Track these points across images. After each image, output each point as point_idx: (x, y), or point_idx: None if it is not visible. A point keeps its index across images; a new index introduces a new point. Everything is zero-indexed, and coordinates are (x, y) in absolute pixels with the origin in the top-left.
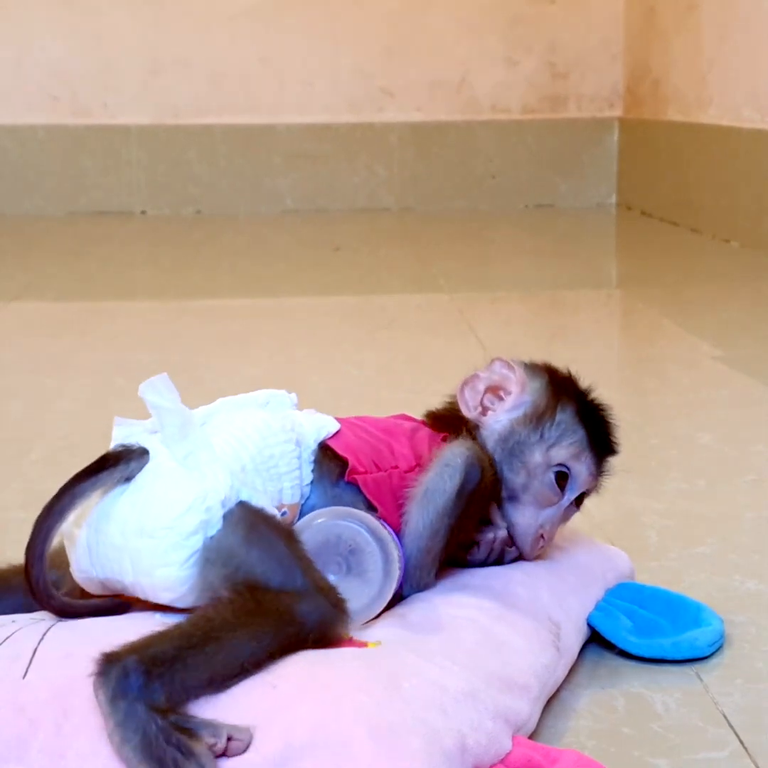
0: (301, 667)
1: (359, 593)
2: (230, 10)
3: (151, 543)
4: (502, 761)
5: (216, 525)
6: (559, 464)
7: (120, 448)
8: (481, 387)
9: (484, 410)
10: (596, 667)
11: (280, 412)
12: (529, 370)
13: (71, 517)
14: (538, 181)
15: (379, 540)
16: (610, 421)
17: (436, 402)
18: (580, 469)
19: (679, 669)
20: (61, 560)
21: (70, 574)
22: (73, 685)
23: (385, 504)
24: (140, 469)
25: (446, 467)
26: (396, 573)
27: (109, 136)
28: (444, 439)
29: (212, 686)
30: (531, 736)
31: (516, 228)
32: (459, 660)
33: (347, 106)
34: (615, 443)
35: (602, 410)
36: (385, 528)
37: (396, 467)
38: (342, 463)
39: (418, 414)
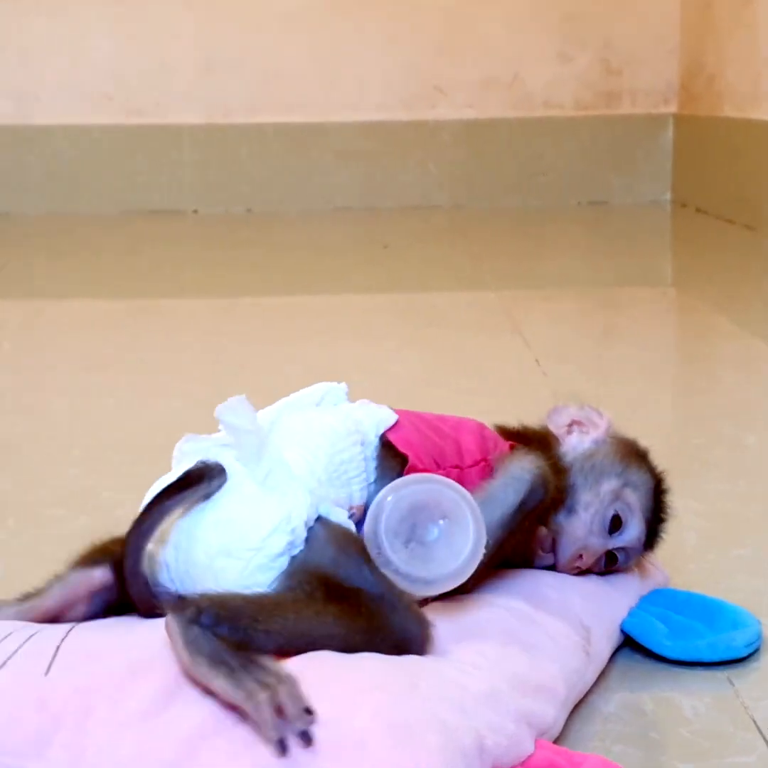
0: (319, 665)
1: (444, 561)
2: (283, 8)
3: (238, 564)
4: (522, 764)
5: (300, 545)
6: (623, 504)
7: (201, 466)
8: (571, 414)
9: (569, 432)
10: (627, 671)
11: (340, 410)
12: (616, 431)
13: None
14: (592, 177)
15: (473, 510)
16: (667, 515)
17: (475, 400)
18: (635, 528)
19: (710, 673)
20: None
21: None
22: (96, 681)
23: None
24: (220, 486)
25: (513, 479)
26: (482, 548)
27: (161, 135)
28: (511, 447)
29: (274, 643)
30: (557, 740)
31: (569, 225)
32: (481, 663)
33: (399, 103)
34: (659, 537)
35: (665, 506)
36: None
37: (457, 467)
38: (403, 457)
39: (458, 413)
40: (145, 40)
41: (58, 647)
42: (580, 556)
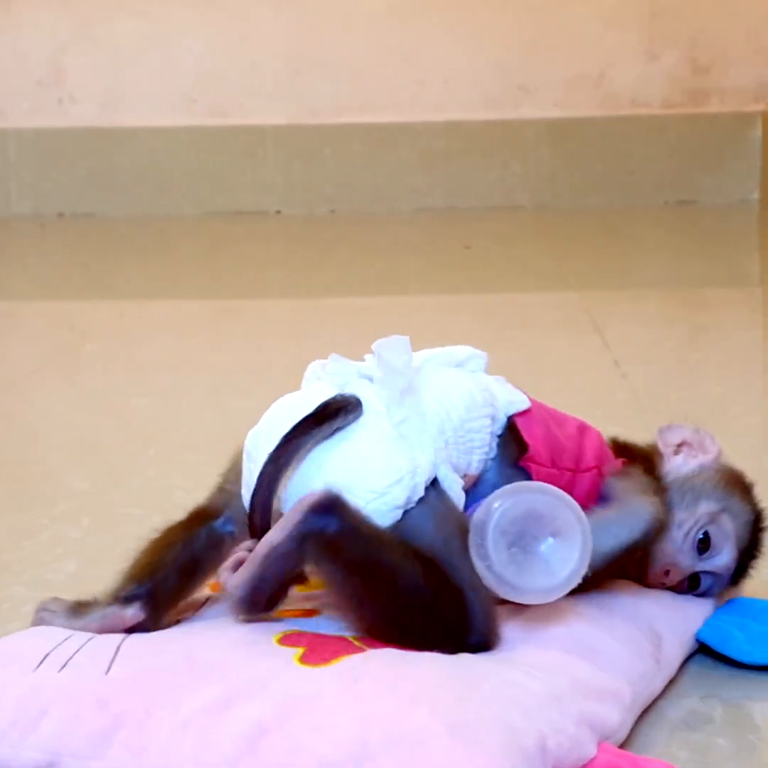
0: (382, 665)
1: (538, 577)
2: (368, 9)
3: (356, 502)
4: (584, 767)
5: (413, 503)
6: (717, 528)
7: (339, 400)
8: (683, 436)
9: (677, 452)
10: (698, 677)
11: (480, 379)
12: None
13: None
14: (679, 177)
15: (585, 539)
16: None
17: (550, 401)
18: (726, 555)
19: None
20: (226, 498)
21: (238, 513)
22: (155, 680)
23: None
24: (354, 421)
25: (632, 517)
26: (579, 578)
27: (246, 136)
28: (623, 463)
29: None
30: (623, 745)
31: (655, 225)
32: (544, 666)
33: (484, 103)
34: (747, 572)
35: (760, 542)
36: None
37: (571, 470)
38: (523, 445)
39: None
40: (231, 41)
41: (118, 647)
42: (667, 572)
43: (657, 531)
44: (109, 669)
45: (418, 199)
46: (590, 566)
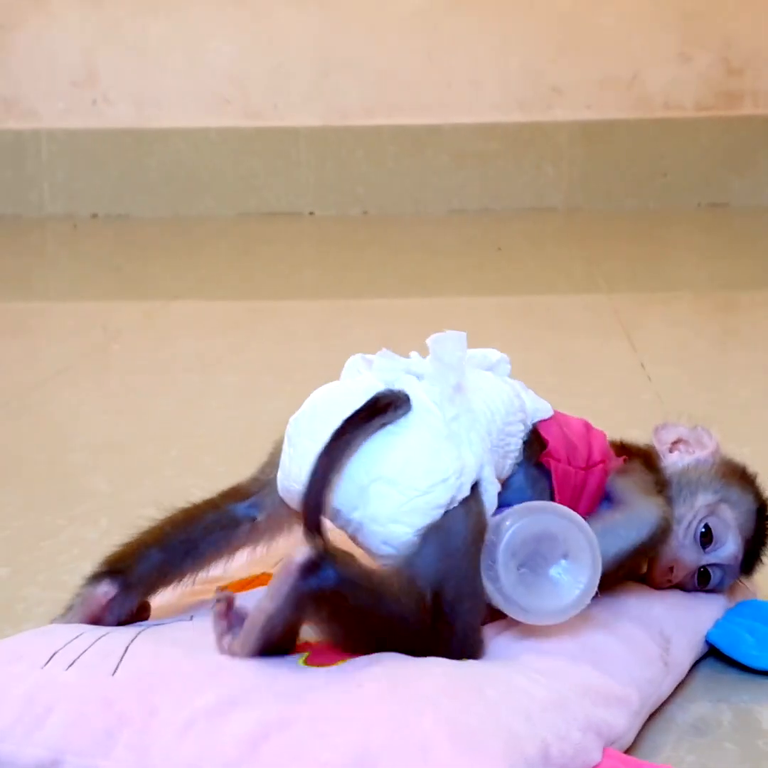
0: (387, 669)
1: (546, 598)
2: (401, 10)
3: (399, 498)
4: None
5: (457, 502)
6: (718, 519)
7: (389, 395)
8: (679, 432)
9: (672, 449)
10: (708, 681)
11: (512, 385)
12: (725, 454)
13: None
14: (712, 179)
15: (595, 563)
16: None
17: (575, 402)
18: (730, 545)
19: None
20: (260, 483)
21: (267, 500)
22: (160, 682)
23: (565, 497)
24: (402, 417)
25: (639, 520)
26: (587, 601)
27: (278, 137)
28: (624, 461)
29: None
30: (630, 750)
31: (688, 227)
32: (550, 671)
33: (516, 104)
34: (759, 561)
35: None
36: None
37: (583, 468)
38: (541, 444)
39: None
40: (263, 43)
41: (127, 648)
42: (671, 569)
43: (664, 532)
44: (116, 669)
45: (450, 201)
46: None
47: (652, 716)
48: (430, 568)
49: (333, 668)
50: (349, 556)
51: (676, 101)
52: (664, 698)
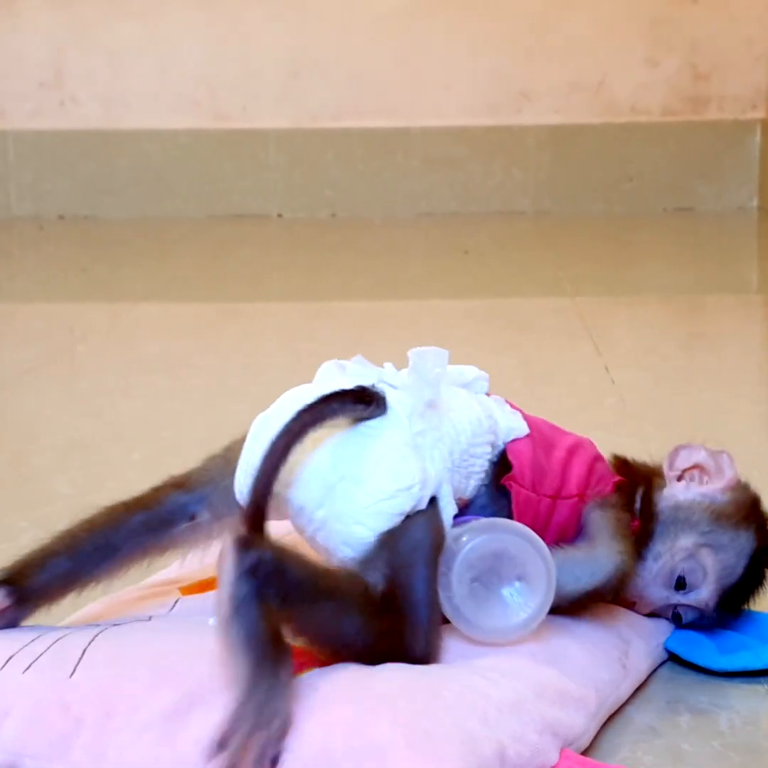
0: (344, 673)
1: (495, 616)
2: (370, 14)
3: (363, 498)
4: None
5: (415, 512)
6: (696, 564)
7: (374, 389)
8: (696, 459)
9: (681, 477)
10: (667, 684)
11: (486, 404)
12: (743, 484)
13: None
14: (678, 184)
15: (548, 592)
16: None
17: (540, 405)
18: (704, 591)
19: (751, 687)
20: (208, 478)
21: (215, 497)
22: (117, 684)
23: (525, 523)
24: (376, 417)
25: (595, 563)
26: (534, 627)
27: (248, 139)
28: (617, 483)
29: (301, 628)
30: (587, 751)
31: (654, 232)
32: (508, 673)
33: (485, 108)
34: (747, 603)
35: (762, 574)
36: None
37: (552, 497)
38: (509, 465)
39: None
40: (233, 45)
41: (84, 650)
42: (634, 603)
43: (619, 581)
44: (73, 672)
45: (419, 204)
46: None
47: (609, 717)
48: (386, 570)
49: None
50: (282, 546)
51: (643, 106)
52: (622, 700)
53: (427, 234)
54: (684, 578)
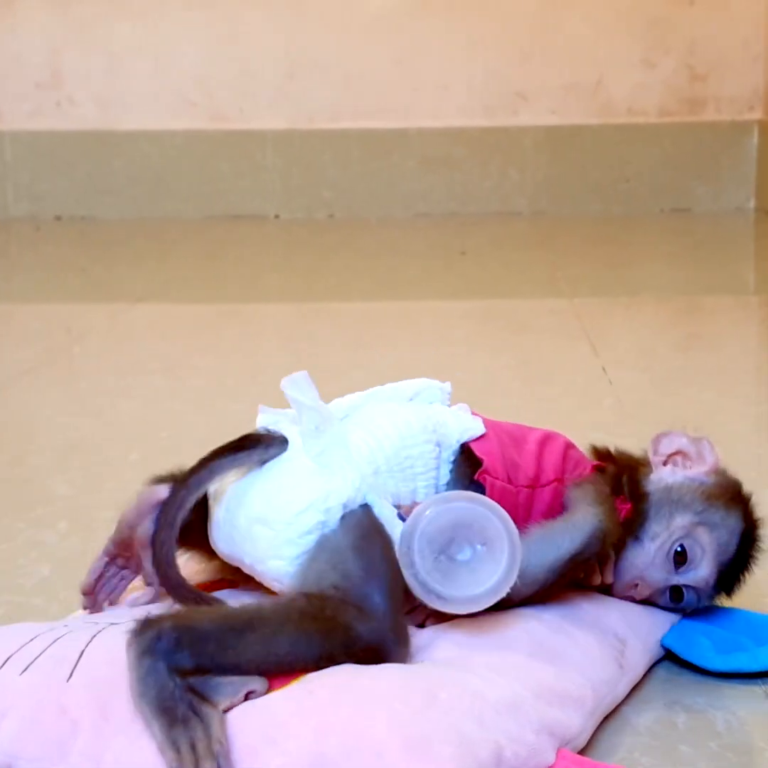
0: (340, 675)
1: (464, 585)
2: (366, 14)
3: (270, 534)
4: None
5: (332, 526)
6: (693, 541)
7: (263, 432)
8: (679, 445)
9: (665, 463)
10: (664, 684)
11: (426, 408)
12: (723, 469)
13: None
14: (675, 185)
15: (513, 548)
16: (753, 563)
17: (538, 406)
18: (703, 569)
19: (748, 688)
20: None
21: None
22: (114, 688)
23: None
24: (276, 455)
25: (573, 527)
26: (507, 587)
27: (245, 140)
28: (594, 468)
29: (242, 671)
30: (583, 751)
31: (651, 232)
32: (505, 671)
33: (482, 109)
34: (739, 583)
35: (753, 553)
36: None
37: (529, 486)
38: (478, 465)
39: (521, 420)
40: (230, 45)
41: (82, 652)
42: (636, 585)
43: (599, 540)
44: (71, 675)
45: (416, 205)
46: (534, 578)
47: (607, 718)
48: (322, 576)
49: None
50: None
51: (640, 107)
52: (619, 700)
53: (424, 235)
54: (685, 552)
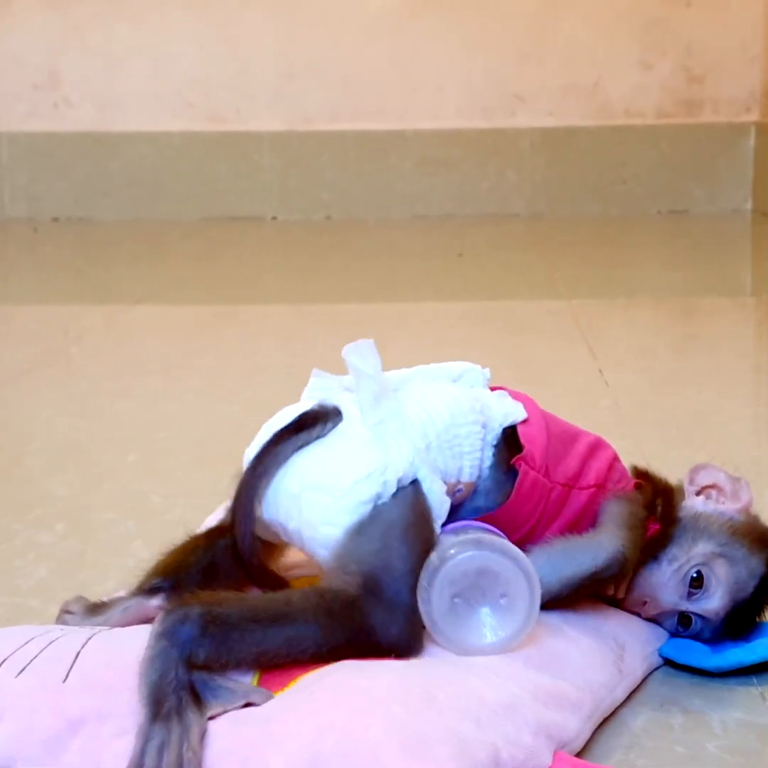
0: (338, 675)
1: (473, 633)
2: (364, 16)
3: (326, 500)
4: None
5: (386, 499)
6: (710, 571)
7: (318, 408)
8: (716, 478)
9: (699, 493)
10: (660, 685)
11: (472, 390)
12: (757, 515)
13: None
14: (672, 186)
15: (532, 591)
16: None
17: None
18: (715, 600)
19: (744, 688)
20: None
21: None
22: (111, 689)
23: (527, 506)
24: (333, 428)
25: (597, 547)
26: (510, 649)
27: (242, 142)
28: (636, 486)
29: (259, 662)
30: (581, 753)
31: (648, 234)
32: (503, 672)
33: (479, 111)
34: (749, 627)
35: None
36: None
37: (567, 485)
38: (520, 451)
39: None
40: (227, 47)
41: (78, 653)
42: (644, 603)
43: (619, 565)
44: (66, 676)
45: (413, 206)
46: (548, 588)
47: (604, 720)
48: (364, 559)
49: (286, 693)
50: (216, 595)
51: (638, 109)
52: (617, 703)
53: (422, 236)
54: (701, 578)
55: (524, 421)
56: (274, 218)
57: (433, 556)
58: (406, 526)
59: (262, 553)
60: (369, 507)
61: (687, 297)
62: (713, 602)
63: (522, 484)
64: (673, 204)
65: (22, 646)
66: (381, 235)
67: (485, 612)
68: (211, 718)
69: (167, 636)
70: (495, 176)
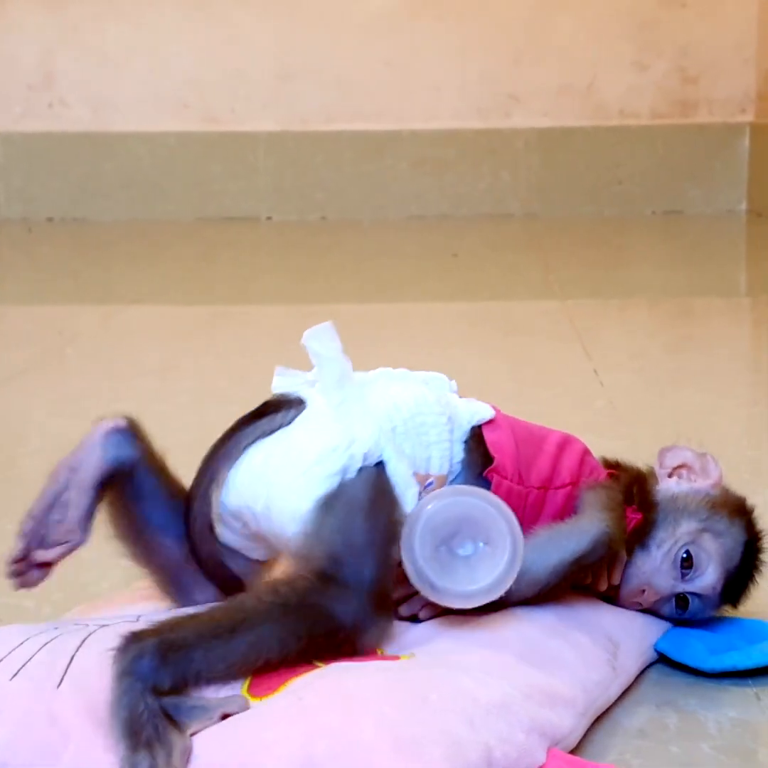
0: (328, 679)
1: (460, 580)
2: (359, 16)
3: (293, 472)
4: None
5: (351, 474)
6: (698, 548)
7: (280, 397)
8: (683, 458)
9: (671, 475)
10: (656, 686)
11: (433, 390)
12: (726, 485)
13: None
14: (667, 187)
15: (515, 551)
16: (757, 572)
17: (527, 408)
18: (709, 576)
19: (739, 689)
20: None
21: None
22: (105, 695)
23: None
24: (296, 416)
25: (579, 531)
26: (502, 589)
27: (237, 142)
28: (609, 475)
29: (229, 675)
30: (574, 752)
31: (643, 234)
32: (496, 672)
33: (474, 111)
34: (745, 593)
35: (756, 563)
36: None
37: (542, 487)
38: (490, 458)
39: None
40: (223, 47)
41: (72, 657)
42: (642, 591)
43: (604, 545)
44: (61, 681)
45: (408, 207)
46: (536, 578)
47: (598, 719)
48: (327, 535)
49: (275, 697)
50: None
51: (632, 109)
52: (611, 701)
53: (416, 237)
54: (691, 558)
55: (491, 425)
56: (269, 219)
57: (415, 507)
58: (369, 504)
59: (215, 543)
60: (336, 480)
61: (682, 297)
62: (707, 578)
63: (496, 494)
64: (668, 204)
65: (15, 648)
66: (376, 236)
67: (468, 559)
68: (193, 734)
69: (128, 673)
70: (490, 177)
